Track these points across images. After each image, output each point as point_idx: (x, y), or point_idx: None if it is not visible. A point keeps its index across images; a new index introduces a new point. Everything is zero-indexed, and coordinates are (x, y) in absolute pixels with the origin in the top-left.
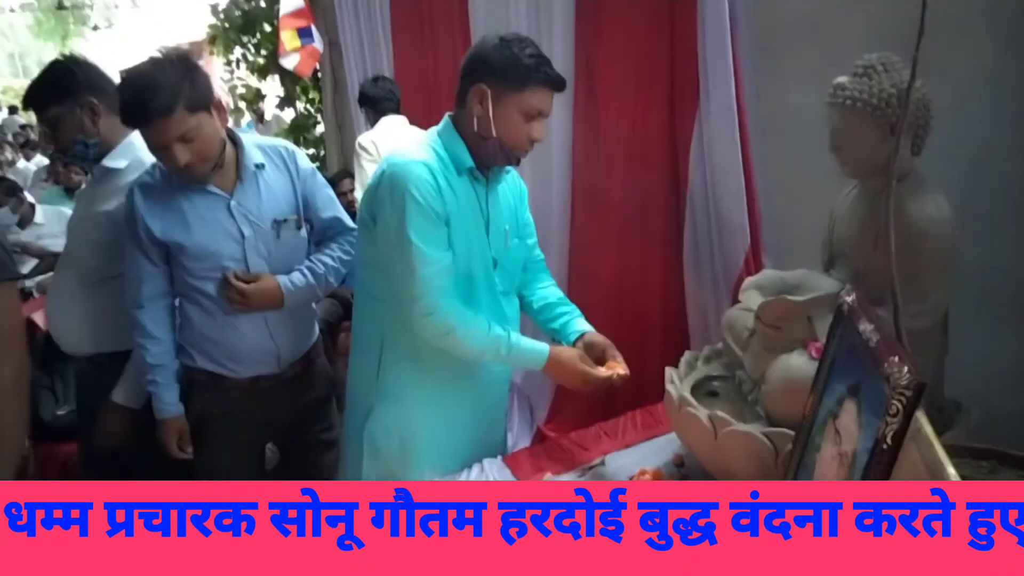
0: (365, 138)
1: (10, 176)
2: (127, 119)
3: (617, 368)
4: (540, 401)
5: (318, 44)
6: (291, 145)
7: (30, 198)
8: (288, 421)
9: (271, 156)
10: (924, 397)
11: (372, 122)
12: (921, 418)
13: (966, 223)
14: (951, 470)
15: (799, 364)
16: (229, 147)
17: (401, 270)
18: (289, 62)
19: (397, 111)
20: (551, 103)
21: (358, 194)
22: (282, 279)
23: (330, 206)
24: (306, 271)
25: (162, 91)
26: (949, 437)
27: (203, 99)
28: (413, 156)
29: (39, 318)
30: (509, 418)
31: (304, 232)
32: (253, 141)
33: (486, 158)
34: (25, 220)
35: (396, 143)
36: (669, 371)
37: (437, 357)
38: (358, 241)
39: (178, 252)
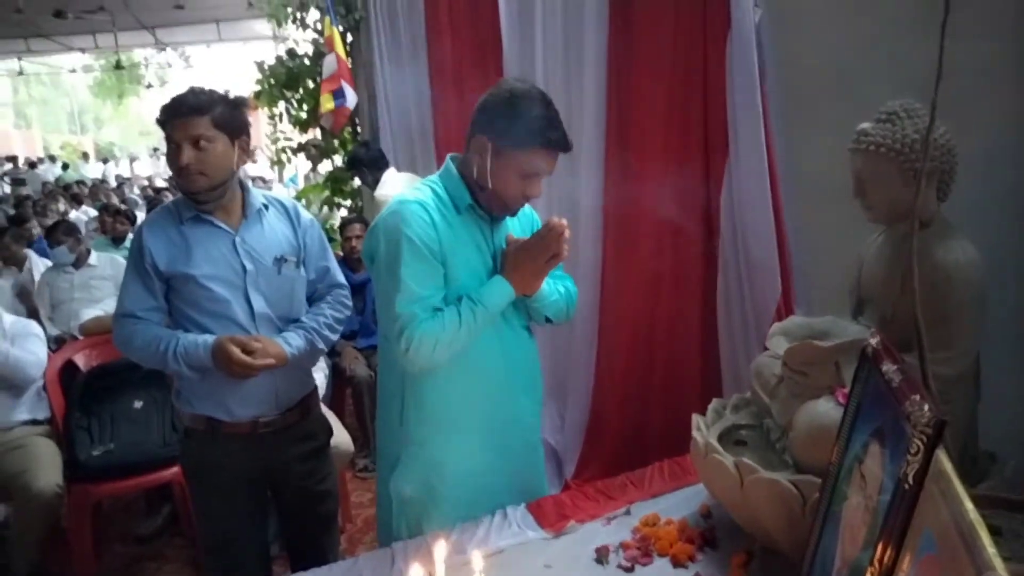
0: (382, 195)
1: None
2: (162, 114)
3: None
4: (568, 455)
5: (350, 103)
6: (293, 200)
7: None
8: (284, 471)
9: (275, 204)
10: (950, 440)
11: (370, 182)
12: (942, 456)
13: (997, 269)
14: (969, 504)
15: (826, 410)
16: (238, 191)
17: (388, 308)
18: (325, 122)
19: (388, 167)
20: (553, 164)
21: None
22: (284, 344)
23: (324, 256)
24: (304, 333)
25: (200, 98)
26: (983, 488)
27: (231, 126)
28: (408, 196)
29: (80, 359)
30: None
31: (303, 272)
32: (259, 192)
33: (485, 204)
34: (80, 261)
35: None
36: (696, 418)
37: (460, 399)
38: (375, 287)
39: (181, 284)
